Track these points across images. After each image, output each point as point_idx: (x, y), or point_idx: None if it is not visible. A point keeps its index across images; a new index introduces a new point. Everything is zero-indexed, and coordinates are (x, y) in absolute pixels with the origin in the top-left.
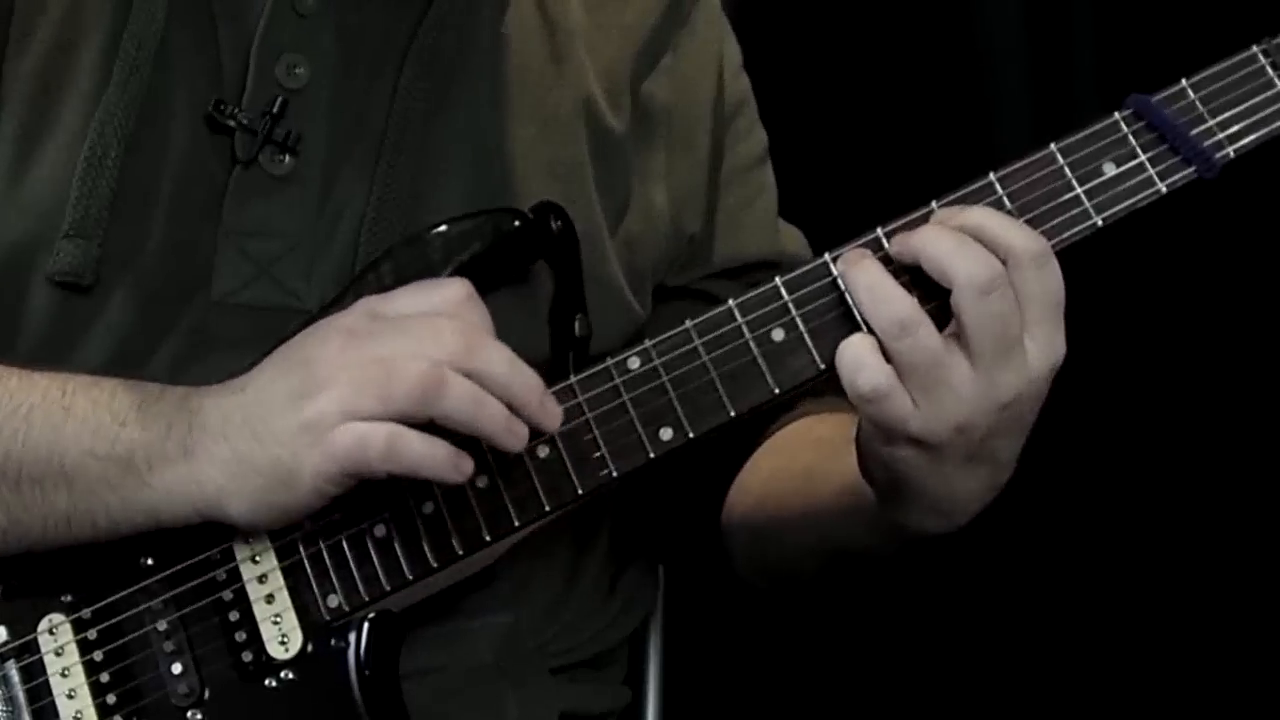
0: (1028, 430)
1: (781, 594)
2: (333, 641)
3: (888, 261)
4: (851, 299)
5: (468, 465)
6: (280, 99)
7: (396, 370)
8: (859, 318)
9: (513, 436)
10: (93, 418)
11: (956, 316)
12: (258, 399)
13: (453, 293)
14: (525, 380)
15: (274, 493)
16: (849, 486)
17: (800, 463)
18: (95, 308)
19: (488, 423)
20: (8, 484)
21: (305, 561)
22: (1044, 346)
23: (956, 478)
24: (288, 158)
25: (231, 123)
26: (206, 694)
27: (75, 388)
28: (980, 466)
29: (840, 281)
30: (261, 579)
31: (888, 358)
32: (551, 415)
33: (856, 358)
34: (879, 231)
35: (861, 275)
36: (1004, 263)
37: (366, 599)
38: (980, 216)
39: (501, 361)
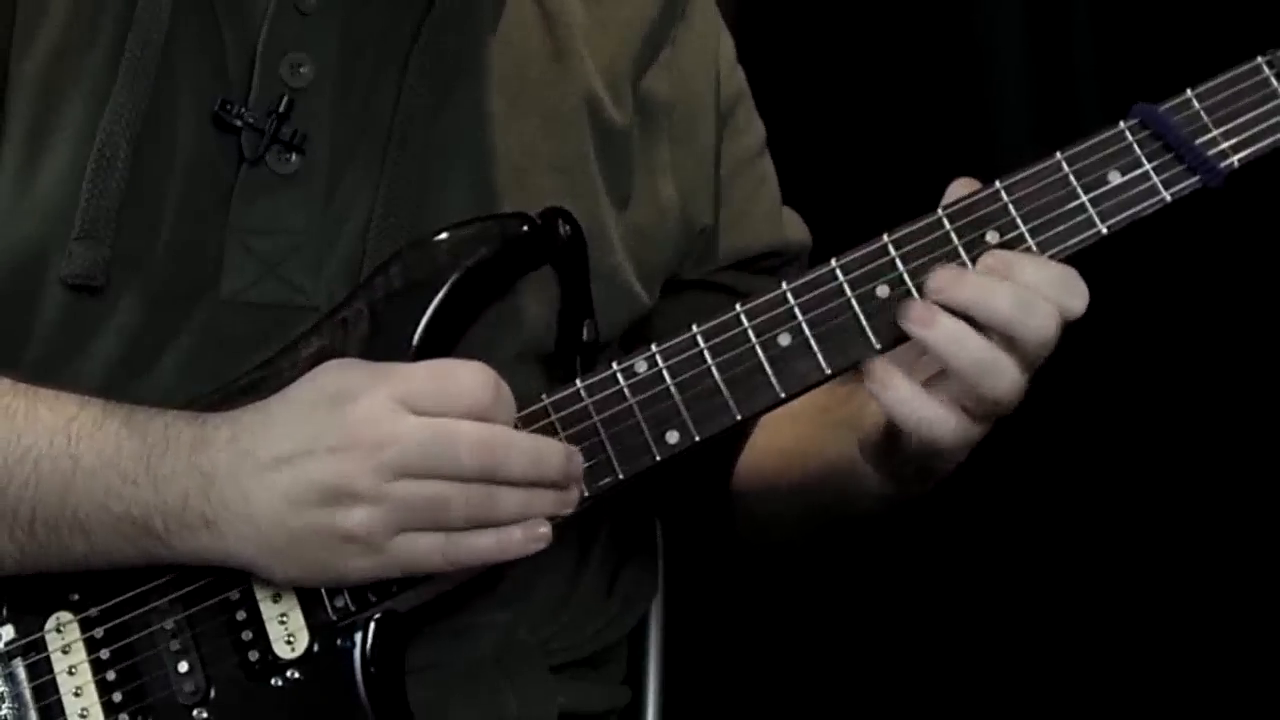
0: None
1: (773, 556)
2: (339, 641)
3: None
4: (935, 353)
5: (541, 530)
6: (286, 98)
7: (447, 496)
8: (867, 328)
9: (566, 507)
10: (101, 473)
11: (1019, 350)
12: (284, 488)
13: (476, 388)
14: (551, 462)
15: (314, 579)
16: (859, 451)
17: (810, 430)
18: (106, 309)
19: (540, 511)
20: (22, 528)
21: None
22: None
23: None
24: (294, 156)
25: (238, 122)
26: (212, 693)
27: (80, 433)
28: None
29: (859, 304)
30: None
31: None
32: (578, 475)
33: (905, 398)
34: (885, 239)
35: (940, 333)
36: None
37: (373, 599)
38: (1031, 274)
39: (525, 462)
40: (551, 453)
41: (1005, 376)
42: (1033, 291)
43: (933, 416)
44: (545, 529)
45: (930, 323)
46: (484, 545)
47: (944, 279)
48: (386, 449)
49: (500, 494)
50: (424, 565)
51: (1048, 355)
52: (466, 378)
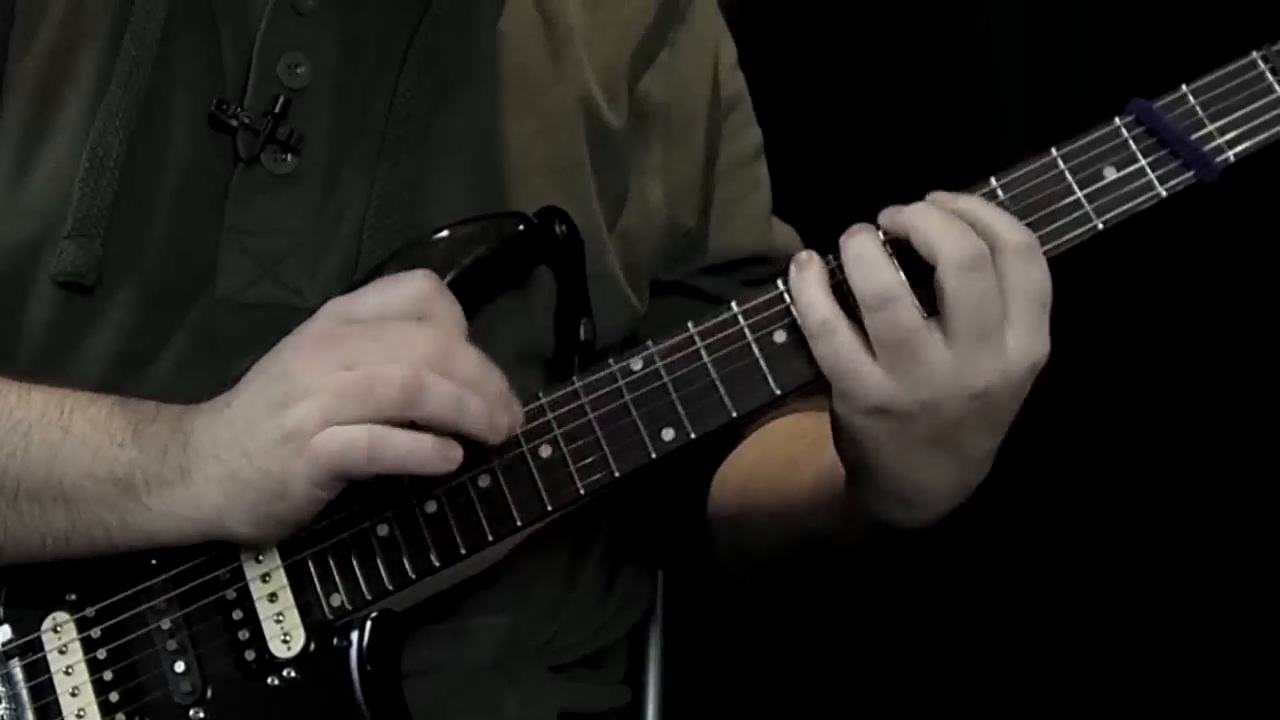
0: (1002, 430)
1: (762, 588)
2: (335, 640)
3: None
4: (842, 265)
5: (455, 453)
6: (282, 98)
7: (376, 376)
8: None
9: (495, 431)
10: (91, 439)
11: (938, 293)
12: (242, 415)
13: (422, 289)
14: (495, 382)
15: (269, 504)
16: (825, 474)
17: (784, 451)
18: (98, 308)
19: (471, 420)
20: (5, 499)
21: (308, 560)
22: (1025, 342)
23: (921, 462)
24: (290, 156)
25: (234, 122)
26: (209, 692)
27: (73, 406)
28: (947, 455)
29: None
30: (265, 578)
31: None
32: (515, 416)
33: (808, 295)
34: (881, 235)
35: (852, 243)
36: (991, 249)
37: (369, 598)
38: (970, 203)
39: (473, 364)
40: (497, 372)
41: (875, 267)
42: (960, 215)
43: (843, 348)
44: (456, 453)
45: (851, 233)
46: (401, 445)
47: (891, 213)
48: (332, 340)
49: (433, 382)
50: (349, 459)
51: (976, 288)
52: (407, 281)
